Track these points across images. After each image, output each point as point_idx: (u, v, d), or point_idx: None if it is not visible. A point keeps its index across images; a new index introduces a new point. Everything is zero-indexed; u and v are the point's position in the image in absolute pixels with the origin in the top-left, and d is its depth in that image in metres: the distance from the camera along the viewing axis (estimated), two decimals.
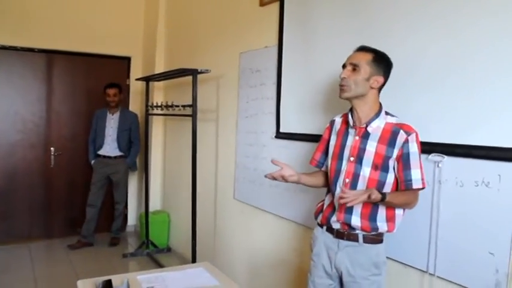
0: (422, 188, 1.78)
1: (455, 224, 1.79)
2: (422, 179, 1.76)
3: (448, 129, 1.83)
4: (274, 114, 2.96)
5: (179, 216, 4.60)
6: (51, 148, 4.92)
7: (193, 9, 4.33)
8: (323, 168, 2.10)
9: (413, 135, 1.77)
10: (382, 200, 1.69)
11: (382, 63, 1.83)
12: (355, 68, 1.82)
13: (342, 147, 1.92)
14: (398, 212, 1.85)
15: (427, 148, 1.88)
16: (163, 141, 5.06)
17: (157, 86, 4.89)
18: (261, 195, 3.15)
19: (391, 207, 1.82)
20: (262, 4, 3.12)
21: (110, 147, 4.72)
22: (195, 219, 3.72)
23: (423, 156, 1.90)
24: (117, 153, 4.75)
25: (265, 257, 3.13)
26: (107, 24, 5.02)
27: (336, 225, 1.90)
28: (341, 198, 1.65)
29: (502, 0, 1.65)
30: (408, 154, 1.76)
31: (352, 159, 1.86)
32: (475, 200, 1.72)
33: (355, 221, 1.84)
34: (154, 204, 4.99)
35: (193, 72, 3.58)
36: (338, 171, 1.91)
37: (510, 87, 1.62)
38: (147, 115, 4.64)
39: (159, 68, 4.85)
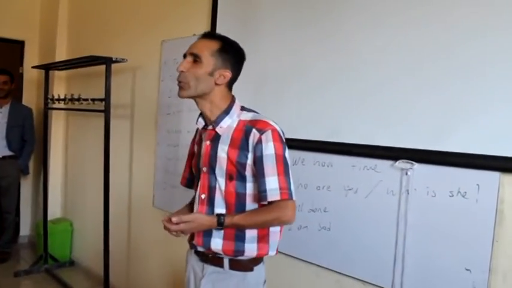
0: (288, 199, 1.42)
1: (427, 238, 1.64)
2: (282, 188, 1.41)
3: (418, 133, 1.66)
4: None
5: (84, 225, 4.06)
6: None
7: None
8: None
9: (269, 132, 1.44)
10: (221, 225, 1.43)
11: (231, 54, 1.52)
12: (196, 59, 1.48)
13: (198, 156, 1.60)
14: (274, 229, 1.53)
15: (394, 154, 1.71)
16: (64, 139, 4.43)
17: (58, 76, 4.26)
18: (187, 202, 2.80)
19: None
20: None
21: None
22: (108, 229, 3.24)
23: (388, 162, 1.74)
24: (7, 153, 4.10)
25: None
26: None
27: (201, 248, 1.57)
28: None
29: None
30: (261, 158, 1.43)
31: (204, 169, 1.54)
32: (450, 211, 1.57)
33: (216, 244, 1.51)
34: (54, 211, 4.32)
35: (107, 61, 3.11)
36: (197, 186, 1.59)
37: (489, 89, 1.50)
38: (46, 109, 4.00)
39: (61, 56, 4.22)
